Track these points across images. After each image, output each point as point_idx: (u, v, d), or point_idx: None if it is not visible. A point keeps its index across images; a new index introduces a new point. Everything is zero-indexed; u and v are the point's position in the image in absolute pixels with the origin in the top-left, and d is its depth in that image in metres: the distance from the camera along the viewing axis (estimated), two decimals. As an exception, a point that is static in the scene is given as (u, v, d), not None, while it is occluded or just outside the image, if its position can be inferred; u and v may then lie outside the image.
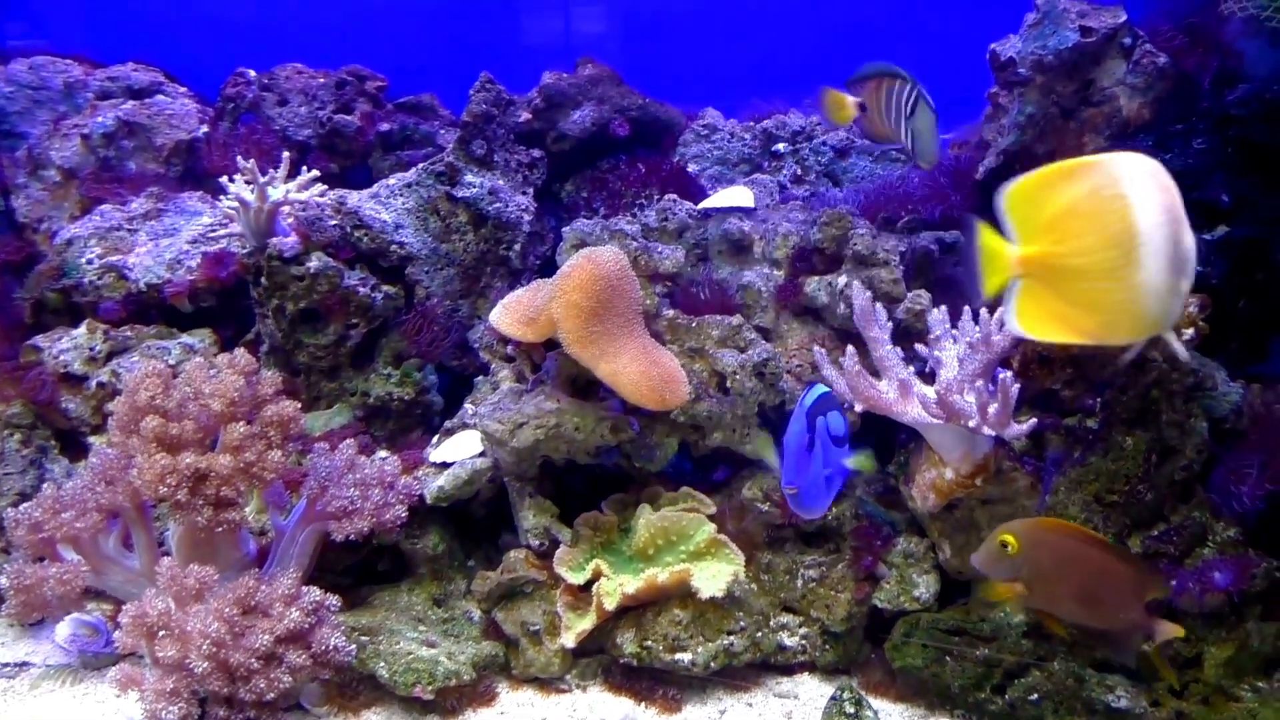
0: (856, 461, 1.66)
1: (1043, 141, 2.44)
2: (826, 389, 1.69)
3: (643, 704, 1.88)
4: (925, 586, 1.98)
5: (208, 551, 1.94)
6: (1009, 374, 1.78)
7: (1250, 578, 1.69)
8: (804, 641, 1.99)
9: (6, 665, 2.00)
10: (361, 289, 2.38)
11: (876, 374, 1.96)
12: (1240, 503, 1.79)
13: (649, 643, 1.89)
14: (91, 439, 2.34)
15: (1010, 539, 1.57)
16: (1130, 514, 1.83)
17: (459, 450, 2.13)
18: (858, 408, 1.93)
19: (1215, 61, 2.28)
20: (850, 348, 1.93)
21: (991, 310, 1.79)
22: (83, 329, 2.43)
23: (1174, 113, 2.30)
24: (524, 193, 2.71)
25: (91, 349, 2.40)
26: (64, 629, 1.98)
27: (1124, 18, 2.30)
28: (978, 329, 1.82)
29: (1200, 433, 1.87)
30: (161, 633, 1.71)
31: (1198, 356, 2.02)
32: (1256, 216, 2.16)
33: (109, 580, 1.96)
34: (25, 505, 1.92)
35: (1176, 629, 1.59)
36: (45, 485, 1.99)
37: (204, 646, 1.67)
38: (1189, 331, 1.87)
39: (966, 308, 1.89)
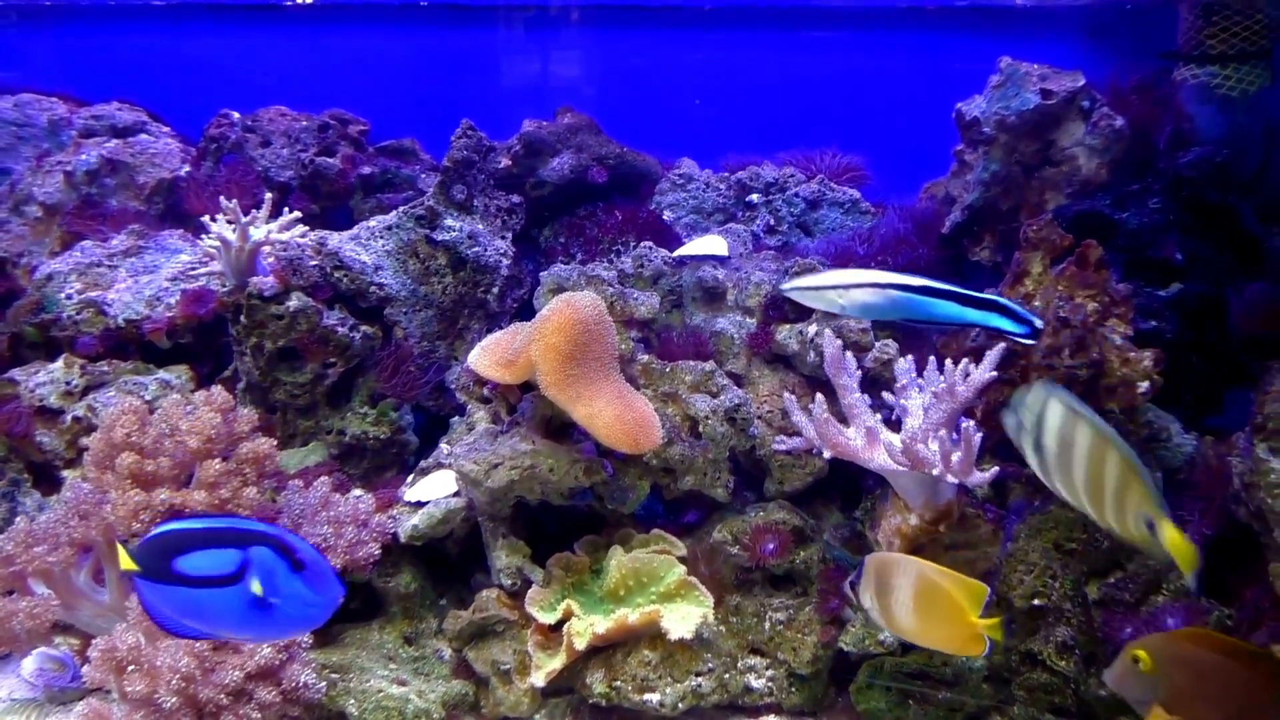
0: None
1: (1006, 198, 2.53)
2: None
3: (611, 744, 1.90)
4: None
5: (180, 587, 1.94)
6: (972, 423, 1.83)
7: (1201, 624, 1.74)
8: (771, 683, 2.01)
9: (-29, 700, 1.99)
10: (340, 329, 2.40)
11: (844, 421, 2.01)
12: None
13: (618, 683, 1.91)
14: (65, 473, 2.34)
15: (1142, 655, 1.34)
16: (1088, 561, 1.88)
17: (434, 490, 2.15)
18: (826, 454, 1.98)
19: (1169, 125, 2.38)
20: (819, 395, 1.98)
21: (956, 361, 1.85)
22: (60, 363, 2.44)
23: (1130, 173, 2.40)
24: (502, 237, 2.76)
25: (68, 383, 2.40)
26: (30, 663, 1.97)
27: (1082, 81, 2.40)
28: (943, 379, 1.87)
29: (1155, 483, 1.93)
30: (131, 667, 1.71)
31: (1153, 409, 2.09)
32: (1209, 274, 2.25)
33: (79, 615, 1.96)
34: (-3, 538, 1.93)
35: None
36: (18, 518, 1.99)
37: (173, 681, 1.67)
38: (1144, 384, 1.94)
39: (932, 358, 1.95)
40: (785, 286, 1.54)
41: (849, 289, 1.47)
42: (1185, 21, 2.51)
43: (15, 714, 1.94)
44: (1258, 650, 1.39)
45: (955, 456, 1.81)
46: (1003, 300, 1.32)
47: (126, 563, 1.24)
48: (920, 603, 1.49)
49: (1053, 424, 1.30)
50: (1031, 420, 1.31)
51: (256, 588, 1.22)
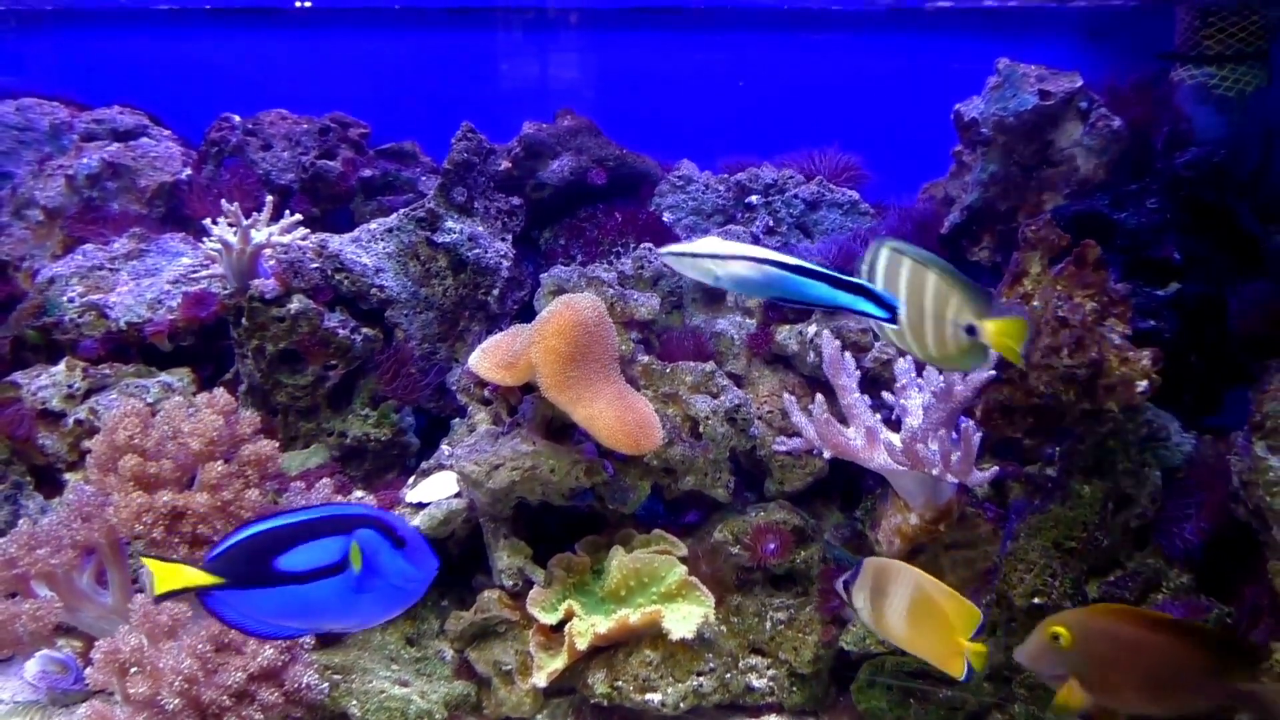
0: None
1: (1005, 198, 2.54)
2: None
3: (612, 744, 1.91)
4: (891, 629, 2.02)
5: (182, 589, 1.94)
6: (971, 423, 1.84)
7: (1201, 621, 1.75)
8: (772, 683, 2.02)
9: (-26, 702, 2.00)
10: (341, 331, 2.41)
11: (844, 421, 2.02)
12: (1183, 541, 1.86)
13: (620, 683, 1.92)
14: (67, 475, 2.35)
15: (1061, 630, 1.39)
16: (1087, 560, 1.88)
17: (435, 491, 2.16)
18: (826, 454, 1.98)
19: (1167, 125, 2.39)
20: (819, 395, 1.99)
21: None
22: (62, 366, 2.44)
23: (1128, 173, 2.40)
24: (503, 239, 2.77)
25: (70, 386, 2.41)
26: (33, 665, 1.97)
27: (1080, 82, 2.41)
28: (941, 379, 1.88)
29: (1154, 482, 1.94)
30: (133, 669, 1.71)
31: (1151, 408, 2.09)
32: (1207, 274, 2.26)
33: (82, 617, 1.96)
34: (0, 540, 1.93)
35: None
36: (21, 521, 1.99)
37: (176, 683, 1.67)
38: (1143, 383, 1.94)
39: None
40: (661, 252, 1.58)
41: (725, 260, 1.51)
42: (1183, 22, 2.52)
43: (18, 716, 1.94)
44: (1170, 620, 1.45)
45: (955, 456, 1.82)
46: (869, 285, 1.42)
47: (198, 578, 1.21)
48: (914, 613, 1.52)
49: (880, 265, 1.44)
50: (866, 270, 1.44)
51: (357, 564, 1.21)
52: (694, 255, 1.54)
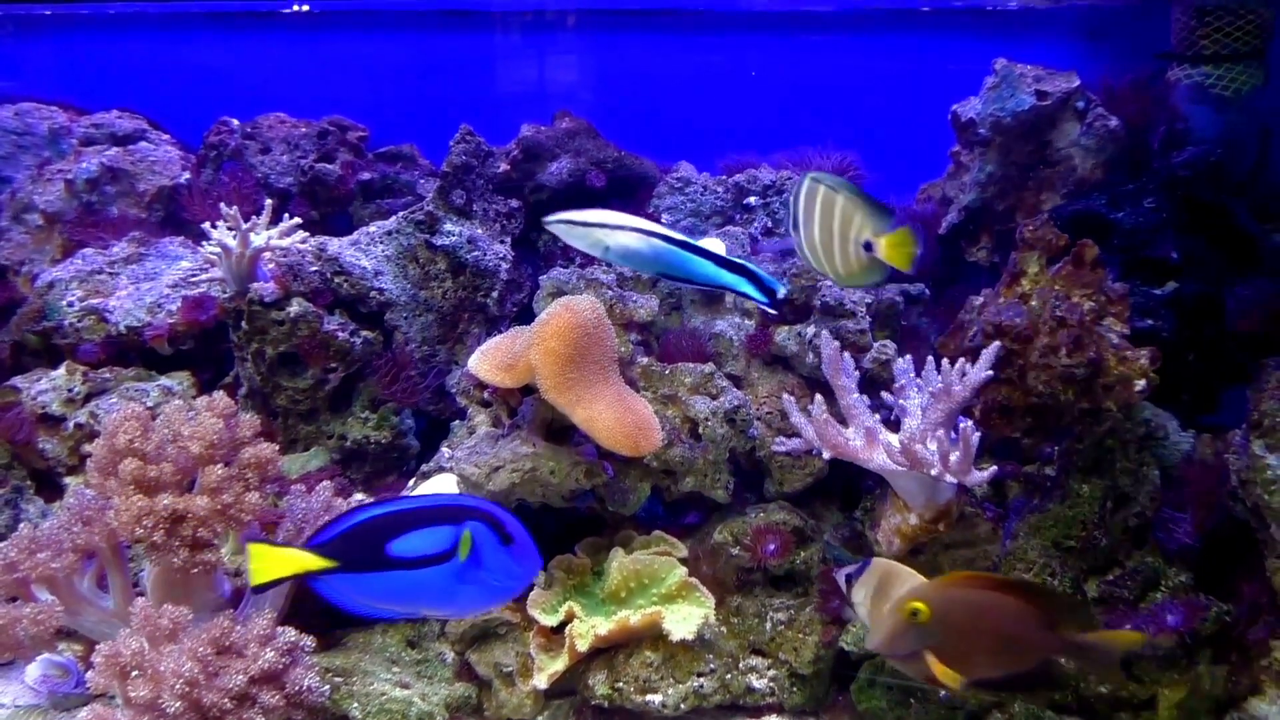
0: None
1: (1002, 198, 2.54)
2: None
3: (613, 745, 1.91)
4: (891, 629, 2.02)
5: (183, 592, 1.95)
6: (970, 423, 1.84)
7: (1201, 620, 1.75)
8: (772, 684, 2.02)
9: (-25, 707, 2.00)
10: (340, 334, 2.42)
11: (844, 421, 2.02)
12: (1179, 538, 1.86)
13: (620, 684, 1.92)
14: (68, 479, 2.35)
15: (920, 606, 1.39)
16: (1086, 559, 1.89)
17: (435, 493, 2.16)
18: (825, 454, 1.99)
19: (1163, 125, 2.40)
20: (818, 396, 1.99)
21: (953, 361, 1.86)
22: (62, 370, 2.45)
23: (1126, 173, 2.41)
24: (502, 241, 2.77)
25: (70, 390, 2.41)
26: (34, 670, 1.98)
27: (1077, 82, 2.41)
28: (940, 379, 1.88)
29: (1153, 481, 1.94)
30: (134, 673, 1.71)
31: (1150, 407, 2.10)
32: (1205, 273, 2.26)
33: (83, 620, 1.96)
34: (0, 545, 1.93)
35: (1115, 636, 1.48)
36: (21, 525, 1.99)
37: (177, 686, 1.67)
38: (1141, 383, 1.95)
39: (930, 358, 1.96)
40: (549, 220, 1.62)
41: (614, 230, 1.58)
42: (1179, 22, 2.53)
43: (20, 720, 1.95)
44: (1009, 580, 1.54)
45: (953, 456, 1.82)
46: (753, 268, 1.56)
47: (312, 562, 1.21)
48: None
49: (803, 192, 1.60)
50: (792, 199, 1.61)
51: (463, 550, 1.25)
52: (584, 224, 1.60)
